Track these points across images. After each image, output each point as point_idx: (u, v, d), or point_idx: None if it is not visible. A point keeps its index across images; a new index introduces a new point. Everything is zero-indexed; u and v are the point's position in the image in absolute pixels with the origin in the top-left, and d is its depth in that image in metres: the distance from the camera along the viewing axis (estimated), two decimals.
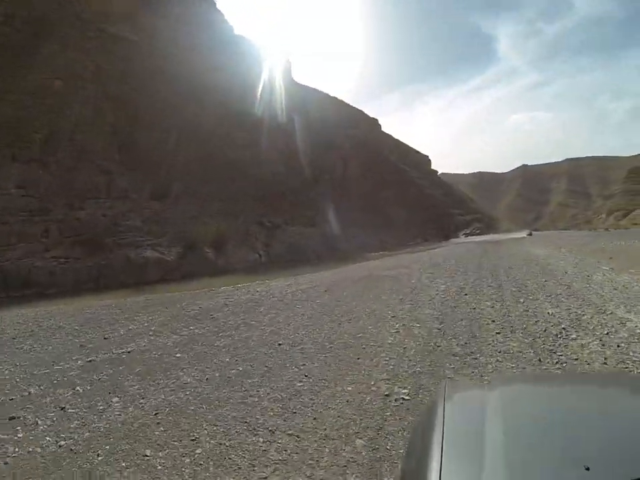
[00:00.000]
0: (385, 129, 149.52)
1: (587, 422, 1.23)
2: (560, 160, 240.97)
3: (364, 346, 7.47)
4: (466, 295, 11.92)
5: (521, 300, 10.43)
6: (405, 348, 7.19)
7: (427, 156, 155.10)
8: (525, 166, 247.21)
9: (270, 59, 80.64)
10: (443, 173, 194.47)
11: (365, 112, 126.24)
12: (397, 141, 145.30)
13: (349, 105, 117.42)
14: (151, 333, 9.41)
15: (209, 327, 9.89)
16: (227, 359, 7.21)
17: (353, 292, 14.27)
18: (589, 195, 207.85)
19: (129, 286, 26.90)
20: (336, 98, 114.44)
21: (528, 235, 74.20)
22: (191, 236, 30.63)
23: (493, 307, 9.89)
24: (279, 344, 7.99)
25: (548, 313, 8.89)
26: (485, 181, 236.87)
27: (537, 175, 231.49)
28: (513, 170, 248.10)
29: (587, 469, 0.93)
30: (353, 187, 72.89)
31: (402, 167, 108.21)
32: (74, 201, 31.60)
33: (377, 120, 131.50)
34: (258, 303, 13.35)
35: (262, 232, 39.79)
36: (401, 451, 3.77)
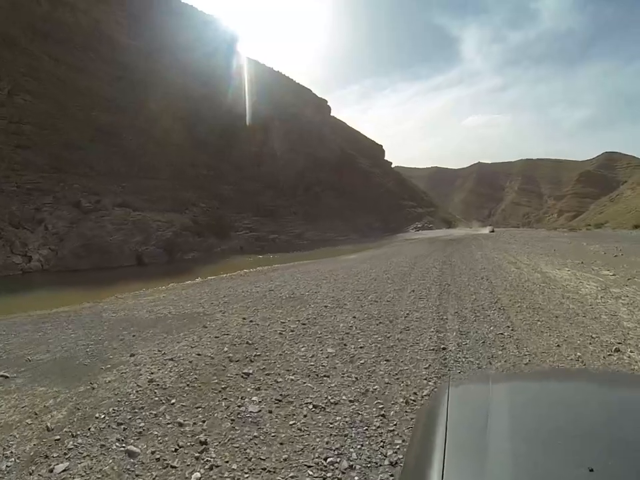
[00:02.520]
0: (344, 119, 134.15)
1: (592, 422, 1.15)
2: (514, 160, 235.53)
3: None
4: None
5: None
6: None
7: (381, 145, 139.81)
8: (479, 163, 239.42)
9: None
10: (398, 166, 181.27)
11: (316, 93, 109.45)
12: (348, 126, 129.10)
13: (294, 81, 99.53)
14: None
15: None
16: None
17: None
18: (541, 194, 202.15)
19: None
20: (280, 73, 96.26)
21: (491, 232, 60.76)
22: None
23: None
24: None
25: None
26: (440, 176, 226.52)
27: (492, 173, 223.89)
28: (468, 167, 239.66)
29: (591, 470, 0.88)
30: (279, 168, 55.26)
31: (349, 152, 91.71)
32: None
33: (325, 101, 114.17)
34: None
35: (64, 218, 21.69)
36: None
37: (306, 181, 55.44)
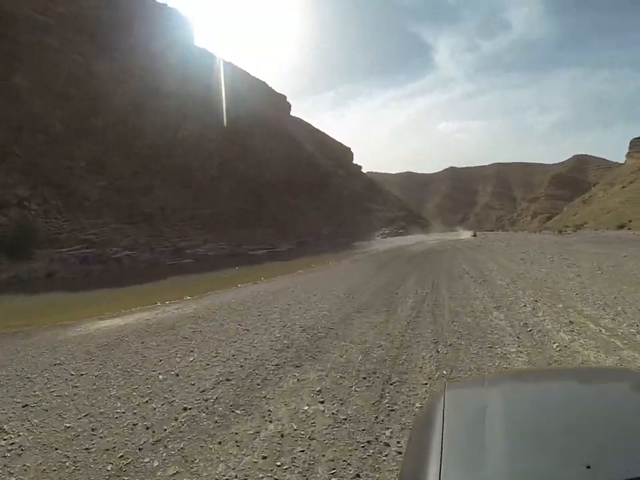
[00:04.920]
0: (318, 125, 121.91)
1: (588, 420, 1.11)
2: (487, 164, 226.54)
3: None
4: None
5: None
6: None
7: (349, 148, 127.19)
8: (453, 167, 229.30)
9: None
10: (370, 172, 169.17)
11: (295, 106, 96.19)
12: (314, 128, 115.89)
13: (248, 74, 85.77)
14: None
15: None
16: None
17: None
18: (514, 197, 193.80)
19: None
20: (232, 64, 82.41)
21: (473, 236, 48.28)
22: None
23: None
24: None
25: None
26: (413, 181, 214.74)
27: (465, 177, 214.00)
28: (441, 171, 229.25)
29: (588, 467, 0.85)
30: (199, 162, 40.90)
31: (310, 152, 77.92)
32: None
33: (284, 97, 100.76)
34: None
35: None
36: None
37: (237, 179, 41.34)
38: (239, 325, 6.92)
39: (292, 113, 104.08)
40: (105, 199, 25.58)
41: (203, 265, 21.61)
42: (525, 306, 6.81)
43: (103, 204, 24.91)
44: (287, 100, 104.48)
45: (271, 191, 46.63)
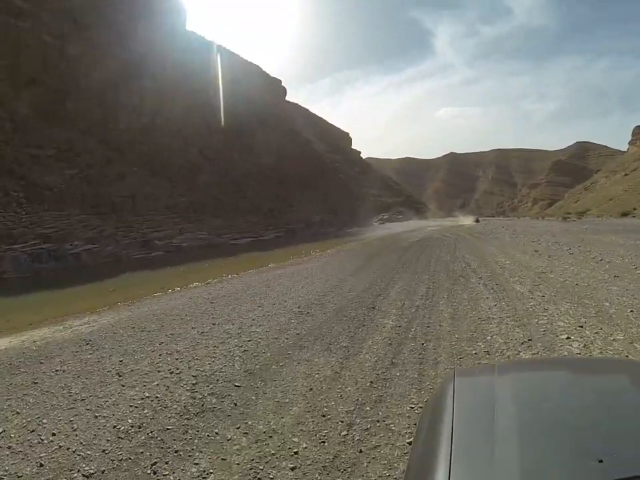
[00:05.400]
0: (316, 112, 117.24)
1: (600, 411, 1.07)
2: (487, 150, 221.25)
3: None
4: None
5: None
6: None
7: (348, 133, 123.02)
8: (453, 153, 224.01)
9: None
10: (370, 157, 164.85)
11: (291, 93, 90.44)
12: (312, 113, 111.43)
13: (239, 56, 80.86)
14: None
15: None
16: None
17: None
18: (514, 184, 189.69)
19: None
20: (223, 47, 77.40)
21: (475, 222, 45.63)
22: None
23: None
24: None
25: None
26: (412, 167, 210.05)
27: (465, 163, 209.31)
28: (441, 157, 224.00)
29: (600, 461, 0.82)
30: (181, 148, 37.73)
31: (305, 137, 73.97)
32: None
33: (279, 81, 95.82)
34: None
35: None
36: None
37: (223, 165, 38.17)
38: (120, 361, 4.37)
39: (288, 100, 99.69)
40: (72, 189, 22.72)
41: (174, 257, 19.02)
42: (569, 338, 4.23)
43: (68, 195, 22.09)
44: (282, 85, 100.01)
45: (261, 177, 43.61)
